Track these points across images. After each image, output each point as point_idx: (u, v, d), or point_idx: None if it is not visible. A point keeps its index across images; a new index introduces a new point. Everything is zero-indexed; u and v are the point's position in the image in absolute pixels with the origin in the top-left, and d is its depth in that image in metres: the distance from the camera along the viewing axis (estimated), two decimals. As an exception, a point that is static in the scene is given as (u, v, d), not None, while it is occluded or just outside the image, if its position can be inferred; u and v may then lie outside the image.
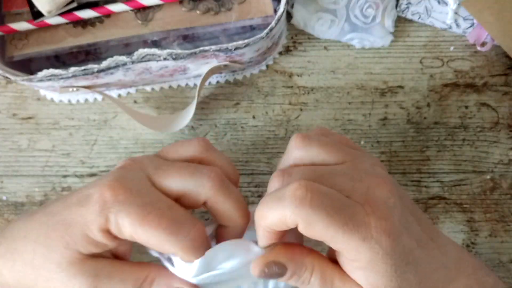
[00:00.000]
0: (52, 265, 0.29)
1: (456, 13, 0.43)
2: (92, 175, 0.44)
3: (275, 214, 0.26)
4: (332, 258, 0.29)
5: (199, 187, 0.30)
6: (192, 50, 0.37)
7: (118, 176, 0.30)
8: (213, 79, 0.45)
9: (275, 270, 0.28)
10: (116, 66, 0.37)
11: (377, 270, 0.27)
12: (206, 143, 0.33)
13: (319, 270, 0.28)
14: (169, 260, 0.31)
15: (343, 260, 0.28)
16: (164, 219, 0.28)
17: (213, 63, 0.40)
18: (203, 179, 0.30)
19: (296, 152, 0.30)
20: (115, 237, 0.29)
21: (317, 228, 0.26)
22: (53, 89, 0.42)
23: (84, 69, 0.37)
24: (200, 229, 0.29)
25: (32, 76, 0.37)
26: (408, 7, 0.43)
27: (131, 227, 0.28)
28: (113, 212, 0.28)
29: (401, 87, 0.44)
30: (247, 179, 0.44)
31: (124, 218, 0.28)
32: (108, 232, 0.29)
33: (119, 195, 0.28)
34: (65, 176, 0.44)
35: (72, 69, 0.37)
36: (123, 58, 0.37)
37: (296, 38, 0.45)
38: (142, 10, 0.40)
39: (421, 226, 0.29)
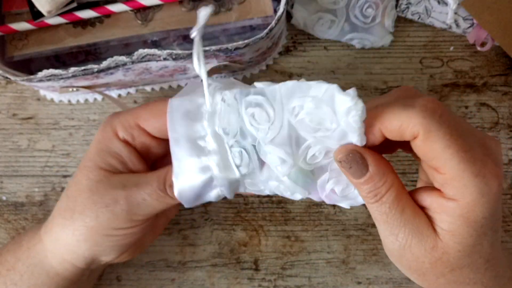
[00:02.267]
0: (85, 193, 0.32)
1: (456, 13, 0.43)
2: (92, 175, 0.44)
3: (399, 118, 0.25)
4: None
5: None
6: (192, 51, 0.37)
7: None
8: (213, 79, 0.45)
9: (358, 162, 0.26)
10: (116, 66, 0.37)
11: (471, 216, 0.25)
12: None
13: (396, 191, 0.27)
14: None
15: (435, 198, 0.26)
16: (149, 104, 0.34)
17: (213, 63, 0.40)
18: None
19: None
20: (127, 142, 0.33)
21: (436, 145, 0.25)
22: (53, 89, 0.42)
23: (84, 69, 0.37)
24: None
25: (32, 76, 0.37)
26: (408, 7, 0.43)
27: (132, 116, 0.33)
28: (115, 119, 0.33)
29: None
30: (247, 179, 0.44)
31: (125, 114, 0.33)
32: (119, 138, 0.33)
33: (116, 114, 0.34)
34: (65, 176, 0.44)
35: (72, 69, 0.37)
36: (123, 58, 0.37)
37: (296, 38, 0.45)
38: (142, 10, 0.40)
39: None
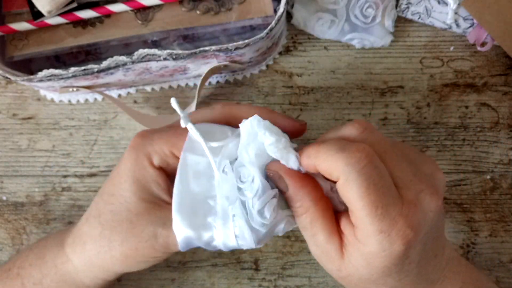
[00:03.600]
0: (124, 224, 0.32)
1: (456, 13, 0.43)
2: (92, 175, 0.44)
3: (330, 160, 0.27)
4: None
5: None
6: (192, 50, 0.37)
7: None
8: (213, 79, 0.45)
9: (278, 182, 0.29)
10: (116, 66, 0.37)
11: (373, 264, 0.27)
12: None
13: (311, 217, 0.29)
14: None
15: (349, 229, 0.28)
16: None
17: (213, 63, 0.40)
18: None
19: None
20: (162, 170, 0.32)
21: (350, 194, 0.26)
22: (53, 89, 0.42)
23: (84, 69, 0.37)
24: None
25: (32, 76, 0.37)
26: (408, 7, 0.43)
27: (167, 144, 0.32)
28: (148, 145, 0.32)
29: (401, 87, 0.45)
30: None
31: (160, 142, 0.32)
32: (154, 166, 0.32)
33: (145, 137, 0.33)
34: (65, 176, 0.44)
35: (72, 69, 0.37)
36: (123, 58, 0.37)
37: (296, 38, 0.45)
38: (142, 10, 0.40)
39: (433, 244, 0.30)
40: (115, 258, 0.33)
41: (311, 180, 0.30)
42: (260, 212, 0.29)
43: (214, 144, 0.30)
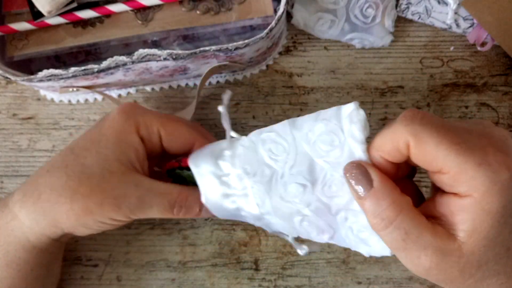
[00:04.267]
0: (94, 179, 0.32)
1: (456, 13, 0.43)
2: (92, 175, 0.44)
3: (388, 137, 0.26)
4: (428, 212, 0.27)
5: None
6: (192, 51, 0.37)
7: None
8: (213, 79, 0.45)
9: (362, 176, 0.26)
10: (116, 66, 0.37)
11: (489, 207, 0.24)
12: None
13: (409, 214, 0.26)
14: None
15: (449, 201, 0.26)
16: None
17: (213, 63, 0.40)
18: None
19: None
20: (143, 140, 0.34)
21: (428, 146, 0.25)
22: (53, 89, 0.42)
23: (84, 69, 0.37)
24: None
25: (32, 76, 0.37)
26: (408, 7, 0.43)
27: (157, 122, 0.34)
28: (139, 115, 0.34)
29: (401, 87, 0.45)
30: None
31: (151, 117, 0.34)
32: (139, 135, 0.34)
33: (138, 107, 0.35)
34: (65, 176, 0.44)
35: (72, 69, 0.37)
36: (123, 58, 0.37)
37: (296, 38, 0.45)
38: (142, 10, 0.40)
39: None
40: (73, 211, 0.32)
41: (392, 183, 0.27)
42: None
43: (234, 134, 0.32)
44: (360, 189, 0.26)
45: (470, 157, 0.24)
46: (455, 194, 0.26)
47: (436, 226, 0.26)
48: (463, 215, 0.25)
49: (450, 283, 0.27)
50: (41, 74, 0.37)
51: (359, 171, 0.26)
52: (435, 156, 0.25)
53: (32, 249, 0.34)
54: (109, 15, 0.40)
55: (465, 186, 0.25)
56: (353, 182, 0.27)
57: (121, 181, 0.32)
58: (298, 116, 0.44)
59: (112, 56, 0.37)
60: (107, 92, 0.44)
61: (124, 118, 0.34)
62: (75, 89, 0.41)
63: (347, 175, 0.27)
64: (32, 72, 0.38)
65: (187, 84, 0.45)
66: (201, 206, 0.34)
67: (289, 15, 0.44)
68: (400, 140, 0.26)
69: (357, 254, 0.42)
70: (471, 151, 0.24)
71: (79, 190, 0.32)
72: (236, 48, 0.37)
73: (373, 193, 0.26)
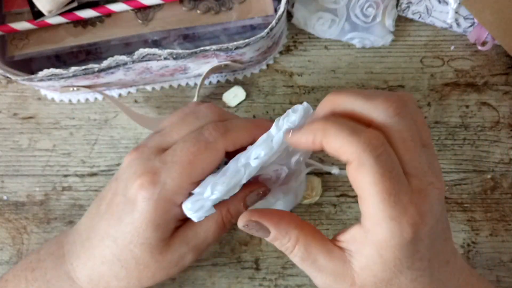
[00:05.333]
0: (148, 266, 0.32)
1: (456, 12, 0.42)
2: (92, 174, 0.44)
3: (342, 141, 0.26)
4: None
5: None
6: (193, 50, 0.37)
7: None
8: (214, 79, 0.45)
9: (256, 230, 0.29)
10: (117, 66, 0.37)
11: (384, 255, 0.26)
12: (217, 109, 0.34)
13: (304, 244, 0.28)
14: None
15: (357, 228, 0.28)
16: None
17: (214, 62, 0.40)
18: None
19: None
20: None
21: (364, 179, 0.26)
22: (53, 89, 0.42)
23: (85, 69, 0.37)
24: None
25: (32, 76, 0.37)
26: (408, 7, 0.43)
27: (186, 182, 0.31)
28: (163, 190, 0.31)
29: (401, 86, 0.44)
30: (248, 178, 0.44)
31: (180, 183, 0.31)
32: (177, 205, 0.32)
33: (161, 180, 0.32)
34: (65, 176, 0.44)
35: (73, 69, 0.37)
36: (124, 58, 0.37)
37: (297, 37, 0.45)
38: (142, 9, 0.40)
39: (443, 246, 0.29)
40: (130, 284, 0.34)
41: (284, 212, 0.30)
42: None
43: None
44: (260, 234, 0.29)
45: (389, 209, 0.25)
46: (362, 226, 0.28)
47: (336, 250, 0.28)
48: (361, 247, 0.27)
49: None
50: (41, 73, 0.37)
51: (254, 225, 0.29)
52: (364, 189, 0.26)
53: None
54: (110, 14, 0.40)
55: (370, 224, 0.26)
56: (251, 231, 0.29)
57: (174, 251, 0.33)
58: (299, 115, 0.44)
59: (112, 56, 0.37)
60: (107, 92, 0.44)
61: (153, 206, 0.31)
62: (75, 88, 0.41)
63: (246, 227, 0.29)
64: (33, 72, 0.38)
65: (187, 84, 0.45)
66: (245, 201, 0.34)
67: (289, 15, 0.44)
68: (347, 154, 0.26)
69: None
70: (394, 205, 0.26)
71: (132, 274, 0.33)
72: (237, 48, 0.37)
73: (273, 237, 0.29)
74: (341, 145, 0.26)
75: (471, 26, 0.43)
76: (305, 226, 0.29)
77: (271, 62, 0.45)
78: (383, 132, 0.26)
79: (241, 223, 0.29)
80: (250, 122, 0.34)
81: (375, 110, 0.27)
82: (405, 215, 0.26)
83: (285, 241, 0.29)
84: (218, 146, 0.31)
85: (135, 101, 0.45)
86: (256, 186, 0.34)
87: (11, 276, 0.36)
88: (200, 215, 0.31)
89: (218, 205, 0.33)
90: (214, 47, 0.37)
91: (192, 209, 0.31)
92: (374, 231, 0.26)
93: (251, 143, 0.32)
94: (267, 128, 0.31)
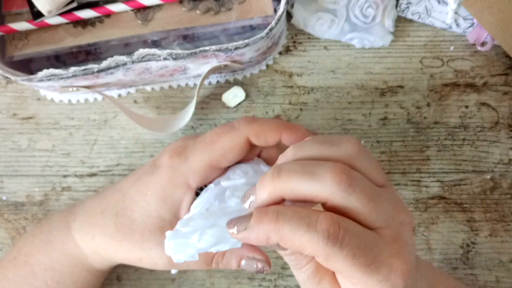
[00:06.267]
0: (135, 235, 0.33)
1: (456, 12, 0.42)
2: (92, 175, 0.44)
3: (301, 239, 0.24)
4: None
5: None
6: (192, 50, 0.37)
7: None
8: (213, 79, 0.45)
9: (257, 266, 0.30)
10: (116, 66, 0.37)
11: None
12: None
13: (315, 265, 0.28)
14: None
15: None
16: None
17: (213, 63, 0.40)
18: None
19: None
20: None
21: (338, 266, 0.25)
22: (53, 89, 0.42)
23: (84, 69, 0.37)
24: None
25: (32, 76, 0.37)
26: (408, 7, 0.43)
27: (203, 163, 0.33)
28: (184, 163, 0.33)
29: (401, 86, 0.45)
30: (247, 179, 0.44)
31: (199, 163, 0.33)
32: (188, 185, 0.33)
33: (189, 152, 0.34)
34: (65, 176, 0.44)
35: (72, 69, 0.37)
36: (123, 58, 0.37)
37: (296, 38, 0.45)
38: (142, 10, 0.40)
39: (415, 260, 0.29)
40: (120, 256, 0.34)
41: None
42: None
43: (224, 183, 0.32)
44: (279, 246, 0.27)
45: (375, 276, 0.25)
46: None
47: (338, 285, 0.28)
48: None
49: None
50: (41, 74, 0.37)
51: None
52: (342, 271, 0.25)
53: (95, 272, 0.37)
54: (109, 15, 0.40)
55: None
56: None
57: (159, 242, 0.33)
58: (298, 116, 0.44)
59: (112, 56, 0.37)
60: (107, 92, 0.44)
61: (170, 174, 0.33)
62: (75, 89, 0.41)
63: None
64: (32, 72, 0.38)
65: (187, 84, 0.45)
66: (240, 260, 0.34)
67: (289, 15, 0.44)
68: (311, 251, 0.25)
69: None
70: (377, 271, 0.25)
71: (123, 244, 0.34)
72: (236, 48, 0.37)
73: (289, 252, 0.28)
74: (300, 243, 0.24)
75: (470, 26, 0.43)
76: None
77: (270, 62, 0.45)
78: (339, 205, 0.25)
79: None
80: (282, 122, 0.33)
81: (324, 189, 0.25)
82: (391, 271, 0.25)
83: (300, 256, 0.28)
84: (241, 131, 0.32)
85: (135, 102, 0.45)
86: (263, 256, 0.34)
87: (21, 238, 0.38)
88: (180, 258, 0.29)
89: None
90: (213, 47, 0.37)
91: (174, 250, 0.29)
92: None
93: (278, 141, 0.32)
94: (297, 131, 0.32)
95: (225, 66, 0.40)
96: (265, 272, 0.34)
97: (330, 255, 0.24)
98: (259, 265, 0.33)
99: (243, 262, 0.34)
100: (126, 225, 0.34)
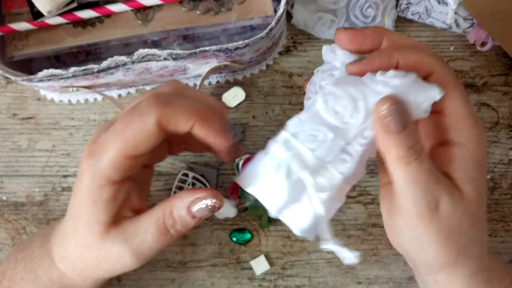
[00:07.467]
0: (92, 248, 0.32)
1: (456, 13, 0.43)
2: (92, 175, 0.44)
3: (419, 55, 0.28)
4: None
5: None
6: (192, 50, 0.37)
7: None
8: (213, 79, 0.45)
9: (401, 112, 0.26)
10: (116, 66, 0.37)
11: (478, 158, 0.28)
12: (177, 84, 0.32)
13: (426, 156, 0.27)
14: None
15: (438, 152, 0.29)
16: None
17: (213, 63, 0.40)
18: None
19: None
20: (121, 182, 0.30)
21: (446, 84, 0.28)
22: (53, 89, 0.42)
23: (84, 69, 0.37)
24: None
25: (32, 76, 0.37)
26: (408, 7, 0.43)
27: (118, 155, 0.29)
28: (98, 162, 0.29)
29: (401, 87, 0.44)
30: (247, 179, 0.44)
31: (109, 152, 0.29)
32: (112, 182, 0.30)
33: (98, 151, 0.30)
34: (65, 176, 0.44)
35: (72, 69, 0.37)
36: (123, 58, 0.37)
37: (296, 38, 0.45)
38: (142, 10, 0.40)
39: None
40: (99, 273, 0.33)
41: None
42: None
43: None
44: (395, 125, 0.26)
45: (471, 112, 0.27)
46: (447, 145, 0.28)
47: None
48: (456, 164, 0.28)
49: (446, 238, 0.28)
50: (41, 74, 0.37)
51: (399, 106, 0.26)
52: (447, 94, 0.28)
53: None
54: (109, 15, 0.40)
55: (460, 133, 0.28)
56: (392, 117, 0.26)
57: (109, 243, 0.31)
58: (298, 116, 0.44)
59: (112, 56, 0.37)
60: (107, 92, 0.44)
61: (89, 178, 0.30)
62: (75, 89, 0.41)
63: (388, 107, 0.26)
64: (32, 72, 0.38)
65: (187, 84, 0.45)
66: (189, 209, 0.30)
67: (289, 15, 0.44)
68: (427, 64, 0.29)
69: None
70: (471, 110, 0.28)
71: (91, 261, 0.32)
72: (236, 48, 0.37)
73: (412, 129, 0.26)
74: (418, 59, 0.28)
75: (470, 26, 0.43)
76: None
77: (270, 62, 0.45)
78: None
79: (387, 102, 0.26)
80: (202, 105, 0.30)
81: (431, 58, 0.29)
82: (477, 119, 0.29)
83: (410, 146, 0.26)
84: (149, 117, 0.28)
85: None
86: (207, 192, 0.30)
87: (4, 260, 0.37)
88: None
89: (161, 204, 0.31)
90: (213, 47, 0.37)
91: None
92: (467, 137, 0.28)
93: (190, 128, 0.29)
94: (214, 123, 0.29)
95: (225, 66, 0.40)
96: (217, 206, 0.30)
97: (443, 69, 0.29)
98: (209, 202, 0.30)
99: (193, 209, 0.30)
100: (81, 243, 0.32)
